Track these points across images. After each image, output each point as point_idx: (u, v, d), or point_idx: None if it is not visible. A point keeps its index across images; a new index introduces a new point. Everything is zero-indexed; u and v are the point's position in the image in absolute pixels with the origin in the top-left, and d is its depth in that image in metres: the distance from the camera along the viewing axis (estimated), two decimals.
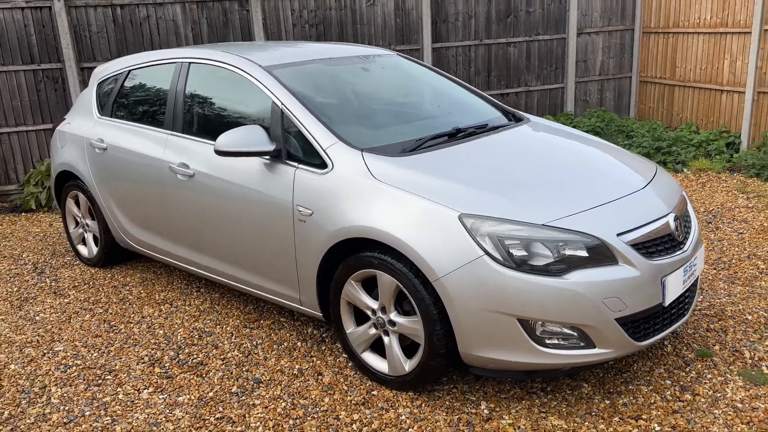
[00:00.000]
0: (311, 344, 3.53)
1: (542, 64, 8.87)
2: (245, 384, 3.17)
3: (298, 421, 2.85)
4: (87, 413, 3.00)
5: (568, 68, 8.95)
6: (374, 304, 3.01)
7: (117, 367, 3.39)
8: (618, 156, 3.47)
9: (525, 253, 2.60)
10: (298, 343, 3.55)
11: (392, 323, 2.96)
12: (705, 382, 2.97)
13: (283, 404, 2.98)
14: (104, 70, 4.80)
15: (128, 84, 4.46)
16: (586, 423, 2.73)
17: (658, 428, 2.67)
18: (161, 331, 3.77)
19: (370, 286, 3.06)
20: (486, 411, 2.84)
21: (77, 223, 5.00)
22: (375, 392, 3.03)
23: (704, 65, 7.99)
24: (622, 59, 9.23)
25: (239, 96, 3.70)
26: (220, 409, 2.97)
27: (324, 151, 3.15)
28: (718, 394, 2.88)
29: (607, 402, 2.87)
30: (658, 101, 8.84)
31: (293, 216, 3.20)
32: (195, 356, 3.46)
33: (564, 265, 2.59)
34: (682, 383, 2.98)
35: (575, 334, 2.63)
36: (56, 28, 6.97)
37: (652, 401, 2.85)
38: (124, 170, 4.23)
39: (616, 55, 9.19)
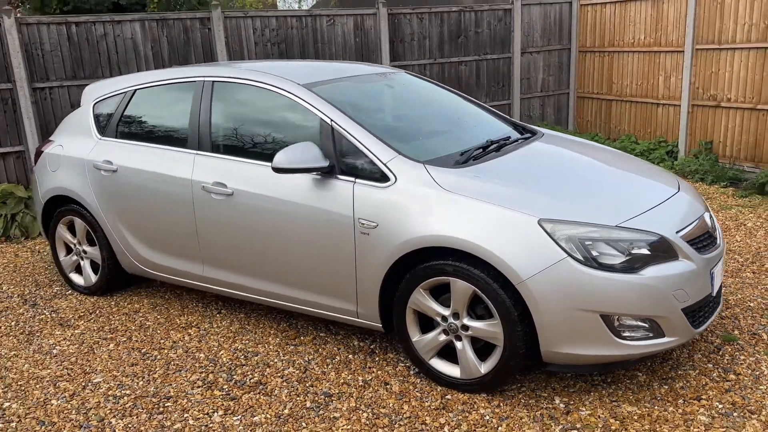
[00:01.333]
0: (363, 356, 3.57)
1: (491, 81, 9.31)
2: (316, 399, 3.17)
3: (386, 429, 2.90)
4: None
5: (514, 85, 9.45)
6: (444, 311, 3.12)
7: (172, 394, 3.28)
8: (640, 163, 3.80)
9: (602, 253, 2.81)
10: (350, 356, 3.58)
11: (465, 328, 3.08)
12: (741, 363, 3.31)
13: (365, 415, 3.01)
14: (99, 90, 4.62)
15: (135, 104, 4.32)
16: (656, 407, 2.97)
17: (720, 406, 2.95)
18: (201, 355, 3.68)
19: (436, 294, 3.17)
20: (562, 405, 3.02)
21: (68, 251, 4.74)
22: (449, 396, 3.13)
23: (640, 81, 8.70)
24: (560, 76, 9.85)
25: (277, 114, 3.72)
26: (303, 424, 2.97)
27: (385, 165, 3.24)
28: (757, 372, 3.21)
29: (666, 387, 3.13)
30: (595, 115, 9.50)
31: (354, 229, 3.26)
32: (250, 376, 3.41)
33: (639, 262, 2.82)
34: (721, 365, 3.29)
35: (647, 325, 2.86)
36: (6, 46, 6.58)
37: (704, 383, 3.14)
38: (139, 192, 4.09)
39: (555, 72, 9.80)
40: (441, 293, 3.15)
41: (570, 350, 2.86)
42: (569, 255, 2.80)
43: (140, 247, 4.23)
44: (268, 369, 3.48)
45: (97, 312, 4.36)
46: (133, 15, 7.21)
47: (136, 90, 4.36)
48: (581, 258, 2.80)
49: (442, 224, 3.00)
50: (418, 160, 3.25)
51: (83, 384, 3.42)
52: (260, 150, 3.69)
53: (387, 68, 4.53)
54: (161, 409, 3.15)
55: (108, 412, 3.15)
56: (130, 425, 3.03)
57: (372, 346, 3.68)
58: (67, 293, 4.74)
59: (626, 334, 2.85)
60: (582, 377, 3.24)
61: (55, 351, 3.83)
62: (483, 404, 3.05)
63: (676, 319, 2.88)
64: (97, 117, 4.51)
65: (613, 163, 3.72)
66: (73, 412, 3.17)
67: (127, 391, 3.33)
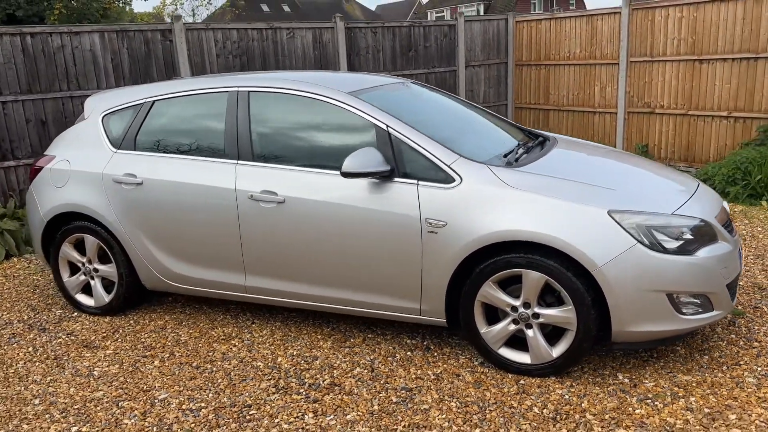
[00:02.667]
0: (421, 353, 3.71)
1: None
2: (399, 394, 3.28)
3: (479, 415, 3.06)
4: None
5: (460, 97, 9.89)
6: (514, 301, 3.34)
7: (250, 402, 3.26)
8: (653, 162, 4.21)
9: (664, 238, 3.15)
10: (409, 353, 3.70)
11: (536, 316, 3.31)
12: (757, 332, 3.77)
13: (453, 404, 3.16)
14: (106, 101, 4.45)
15: (156, 115, 4.22)
16: (707, 374, 3.33)
17: (759, 369, 3.36)
18: (259, 363, 3.66)
19: (502, 286, 3.38)
20: (626, 380, 3.32)
21: (73, 271, 4.52)
22: (523, 381, 3.35)
23: (576, 91, 9.41)
24: (499, 89, 10.43)
25: (326, 121, 3.79)
26: (399, 418, 3.07)
27: (448, 167, 3.42)
28: None
29: (707, 357, 3.51)
30: (533, 124, 10.13)
31: (422, 229, 3.41)
32: (321, 378, 3.45)
33: (693, 245, 3.18)
34: (743, 336, 3.73)
35: (699, 301, 3.22)
36: None
37: (736, 351, 3.56)
38: (170, 204, 4.00)
39: (495, 85, 10.37)
40: (506, 285, 3.37)
41: (639, 328, 3.16)
42: (638, 241, 3.10)
43: (168, 261, 4.12)
44: (335, 371, 3.54)
45: (120, 331, 4.19)
46: (92, 26, 6.92)
47: (154, 101, 4.26)
48: (648, 243, 3.11)
49: (516, 220, 3.22)
50: (481, 161, 3.46)
51: (149, 401, 3.32)
52: (311, 157, 3.75)
53: (401, 78, 4.71)
54: (248, 417, 3.13)
55: (192, 425, 3.09)
56: None
57: (425, 343, 3.83)
58: (73, 315, 4.50)
59: (685, 310, 3.20)
60: (631, 355, 3.56)
61: (95, 372, 3.66)
62: (557, 386, 3.29)
63: (722, 294, 3.26)
64: (108, 129, 4.35)
65: (634, 161, 4.10)
66: (154, 429, 3.07)
67: (202, 404, 3.27)
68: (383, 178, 3.52)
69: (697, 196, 3.56)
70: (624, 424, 2.93)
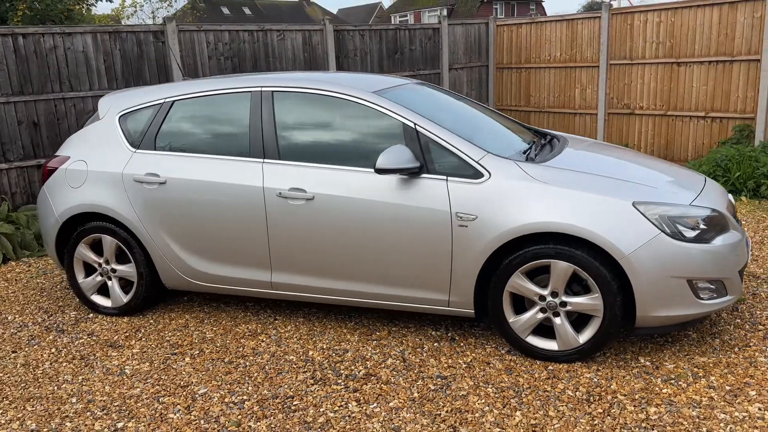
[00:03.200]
0: (448, 343, 3.84)
1: None
2: (435, 382, 3.39)
3: (516, 399, 3.20)
4: None
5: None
6: (543, 291, 3.49)
7: (291, 393, 3.34)
8: (658, 160, 4.43)
9: (684, 227, 3.35)
10: (436, 344, 3.83)
11: (563, 304, 3.47)
12: (761, 315, 4.01)
13: (490, 390, 3.29)
14: (122, 102, 4.45)
15: (176, 115, 4.25)
16: (721, 355, 3.55)
17: (767, 349, 3.59)
18: (292, 357, 3.73)
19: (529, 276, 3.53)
20: (648, 363, 3.51)
21: (88, 272, 4.50)
22: (551, 367, 3.50)
23: (557, 94, 9.69)
24: (481, 91, 10.66)
25: (352, 120, 3.89)
26: (440, 404, 3.18)
27: (477, 162, 3.57)
28: None
29: (717, 340, 3.73)
30: None
31: (452, 223, 3.54)
32: (357, 369, 3.55)
33: (709, 233, 3.39)
34: (748, 320, 3.97)
35: (714, 286, 3.43)
36: None
37: (743, 334, 3.79)
38: (195, 203, 4.04)
39: (477, 87, 10.60)
40: (533, 276, 3.53)
41: (662, 313, 3.35)
42: (661, 231, 3.30)
43: (191, 259, 4.16)
44: (368, 362, 3.63)
45: (142, 331, 4.20)
46: (84, 27, 6.86)
47: (174, 101, 4.29)
48: (670, 233, 3.31)
49: (547, 212, 3.38)
50: (508, 157, 3.61)
51: (189, 396, 3.36)
52: (339, 155, 3.84)
53: (412, 79, 4.83)
54: (292, 407, 3.21)
55: (239, 417, 3.14)
56: (272, 425, 3.06)
57: (449, 334, 3.95)
58: (89, 316, 4.48)
59: (702, 295, 3.40)
60: (648, 340, 3.76)
61: (127, 371, 3.67)
62: (584, 370, 3.45)
63: (734, 280, 3.48)
64: (126, 129, 4.36)
65: (641, 157, 4.31)
66: (202, 422, 3.12)
67: (244, 397, 3.33)
68: (412, 174, 3.64)
69: (707, 189, 3.78)
70: (654, 403, 3.11)
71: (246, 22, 6.53)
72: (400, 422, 3.05)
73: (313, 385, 3.42)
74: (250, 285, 4.10)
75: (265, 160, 3.96)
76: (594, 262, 3.34)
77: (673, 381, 3.31)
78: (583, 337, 3.48)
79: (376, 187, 3.69)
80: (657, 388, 3.24)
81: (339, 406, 3.20)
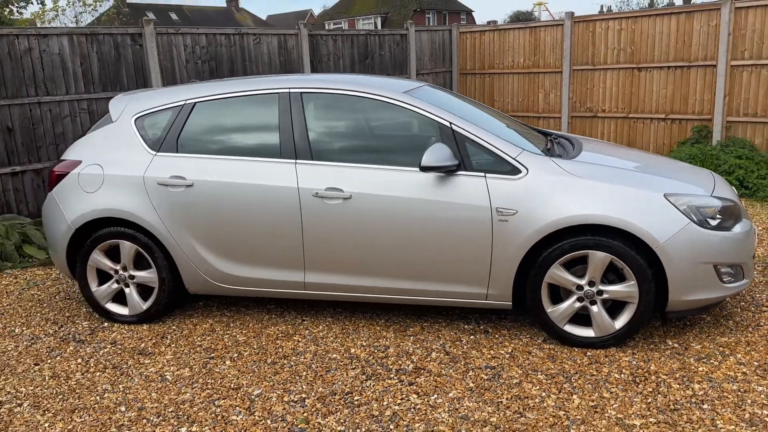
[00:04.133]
0: (483, 335, 3.95)
1: None
2: (485, 372, 3.50)
3: (568, 384, 3.35)
4: (392, 428, 3.02)
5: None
6: (580, 281, 3.67)
7: (348, 389, 3.36)
8: (666, 157, 4.71)
9: (708, 216, 3.60)
10: (472, 337, 3.94)
11: (600, 293, 3.66)
12: (761, 298, 4.34)
13: (541, 377, 3.43)
14: (138, 103, 4.34)
15: (199, 117, 4.19)
16: (739, 335, 3.83)
17: None
18: (335, 356, 3.75)
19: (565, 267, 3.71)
20: (676, 345, 3.74)
21: (102, 280, 4.36)
22: (590, 353, 3.68)
23: (521, 98, 10.05)
24: None
25: (385, 120, 3.96)
26: (498, 392, 3.29)
27: (514, 159, 3.71)
28: None
29: (731, 321, 4.02)
30: None
31: (492, 218, 3.67)
32: (405, 364, 3.61)
33: (729, 222, 3.66)
34: (751, 302, 4.29)
35: (733, 270, 3.71)
36: None
37: (752, 315, 4.09)
38: (225, 205, 4.00)
39: None
40: (569, 267, 3.70)
41: (691, 297, 3.59)
42: (691, 220, 3.54)
43: (219, 262, 4.10)
44: (412, 357, 3.70)
45: (169, 337, 4.10)
46: (61, 29, 6.60)
47: (195, 103, 4.23)
48: (697, 221, 3.56)
49: (586, 205, 3.56)
50: (543, 154, 3.78)
51: (245, 398, 3.32)
52: (375, 154, 3.90)
53: (424, 81, 4.95)
54: (355, 402, 3.23)
55: (305, 414, 3.15)
56: (341, 420, 3.09)
57: (481, 327, 4.08)
58: (104, 325, 4.34)
59: (725, 279, 3.67)
60: (670, 323, 4.00)
61: (168, 377, 3.59)
62: (621, 354, 3.65)
63: (749, 264, 3.77)
64: (144, 132, 4.26)
65: (651, 155, 4.58)
66: (268, 421, 3.10)
67: (302, 395, 3.33)
68: (450, 172, 3.74)
69: (718, 182, 4.07)
70: (695, 380, 3.34)
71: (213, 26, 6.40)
72: (466, 411, 3.14)
73: (366, 380, 3.46)
74: (281, 286, 4.09)
75: (298, 161, 3.97)
76: (630, 251, 3.54)
77: (704, 360, 3.55)
78: (619, 323, 3.68)
79: (414, 185, 3.77)
80: (693, 367, 3.47)
81: (401, 399, 3.26)
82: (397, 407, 3.19)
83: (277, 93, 4.11)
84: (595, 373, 3.46)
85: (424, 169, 3.64)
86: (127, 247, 4.22)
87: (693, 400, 3.16)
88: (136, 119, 4.30)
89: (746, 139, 7.69)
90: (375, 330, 4.09)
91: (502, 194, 3.67)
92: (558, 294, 3.78)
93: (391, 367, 3.60)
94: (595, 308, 3.69)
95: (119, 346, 4.01)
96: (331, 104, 4.06)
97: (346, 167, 3.89)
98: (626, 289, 3.62)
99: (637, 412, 3.06)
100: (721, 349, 3.67)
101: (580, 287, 3.68)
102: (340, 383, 3.44)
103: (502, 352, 3.74)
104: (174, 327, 4.27)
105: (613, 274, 3.67)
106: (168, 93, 4.35)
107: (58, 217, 4.31)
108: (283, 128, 4.03)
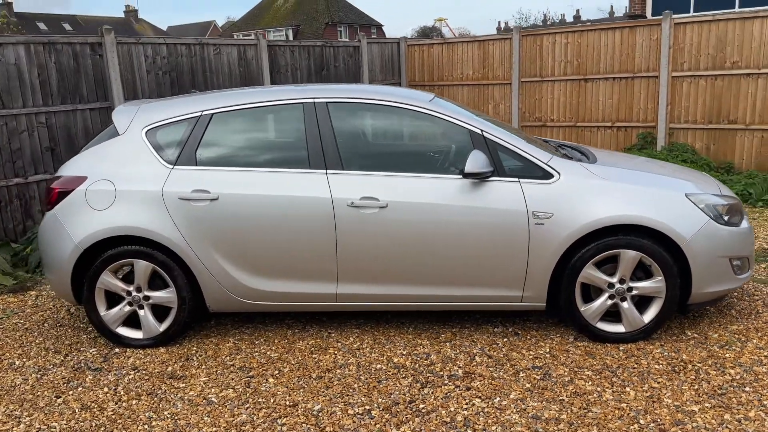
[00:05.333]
0: (516, 338, 4.05)
1: None
2: (535, 372, 3.59)
3: (616, 378, 3.50)
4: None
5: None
6: (612, 279, 3.85)
7: (409, 398, 3.35)
8: (665, 162, 5.02)
9: (720, 214, 3.89)
10: (506, 340, 4.03)
11: (630, 290, 3.85)
12: (748, 289, 4.71)
13: (587, 372, 3.56)
14: (147, 115, 4.13)
15: (217, 128, 4.04)
16: (746, 323, 4.13)
17: None
18: (380, 366, 3.72)
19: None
20: (696, 335, 4.00)
21: (111, 304, 4.10)
22: (622, 348, 3.86)
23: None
24: None
25: (414, 128, 4.01)
26: (556, 390, 3.39)
27: (546, 164, 3.85)
28: None
29: (733, 311, 4.33)
30: None
31: (529, 222, 3.78)
32: (453, 370, 3.64)
33: (736, 218, 3.97)
34: (743, 293, 4.65)
35: (741, 263, 4.02)
36: None
37: (747, 304, 4.43)
38: (256, 218, 3.88)
39: None
40: (599, 266, 3.88)
41: (710, 289, 3.86)
42: (709, 217, 3.81)
43: (246, 278, 3.97)
44: (458, 362, 3.74)
45: (194, 359, 3.92)
46: (17, 37, 6.16)
47: (213, 114, 4.08)
48: (714, 218, 3.83)
49: (619, 207, 3.74)
50: (572, 159, 3.94)
51: (308, 414, 3.23)
52: (408, 162, 3.93)
53: (431, 93, 5.02)
54: (422, 410, 3.22)
55: (378, 425, 3.10)
56: (415, 429, 3.07)
57: (510, 329, 4.18)
58: (114, 351, 4.07)
59: (737, 271, 3.97)
60: (682, 316, 4.27)
61: (213, 399, 3.43)
62: (650, 347, 3.85)
63: (752, 256, 4.10)
64: (157, 145, 4.05)
65: (653, 161, 4.85)
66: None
67: (365, 407, 3.28)
68: (484, 178, 3.83)
69: (718, 183, 4.40)
70: (727, 366, 3.58)
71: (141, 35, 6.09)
72: (534, 410, 3.21)
73: (423, 388, 3.46)
74: (312, 299, 4.01)
75: (329, 171, 3.92)
76: (659, 249, 3.76)
77: (727, 347, 3.82)
78: (647, 317, 3.89)
79: (450, 192, 3.83)
80: (719, 354, 3.73)
81: (466, 405, 3.28)
82: (465, 412, 3.21)
83: (301, 103, 4.05)
84: (636, 365, 3.64)
85: (467, 175, 3.71)
86: (142, 267, 3.99)
87: (734, 384, 3.39)
88: (147, 132, 4.09)
89: (688, 144, 8.31)
90: (407, 338, 4.09)
91: (538, 198, 3.80)
92: (588, 293, 3.95)
93: (441, 373, 3.62)
94: (625, 304, 3.88)
95: (143, 372, 3.78)
96: (359, 113, 4.05)
97: (379, 176, 3.89)
98: (654, 284, 3.83)
99: (690, 399, 3.26)
100: (736, 336, 3.96)
101: (611, 285, 3.86)
102: (397, 393, 3.42)
103: (541, 352, 3.85)
104: (195, 348, 4.08)
105: (640, 271, 3.88)
106: (179, 104, 4.17)
107: (60, 237, 4.01)
108: (311, 138, 3.97)
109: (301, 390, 3.49)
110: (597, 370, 3.60)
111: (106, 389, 3.60)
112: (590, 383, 3.45)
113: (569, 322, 4.01)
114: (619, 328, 3.92)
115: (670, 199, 3.82)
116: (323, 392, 3.45)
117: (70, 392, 3.58)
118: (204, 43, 7.80)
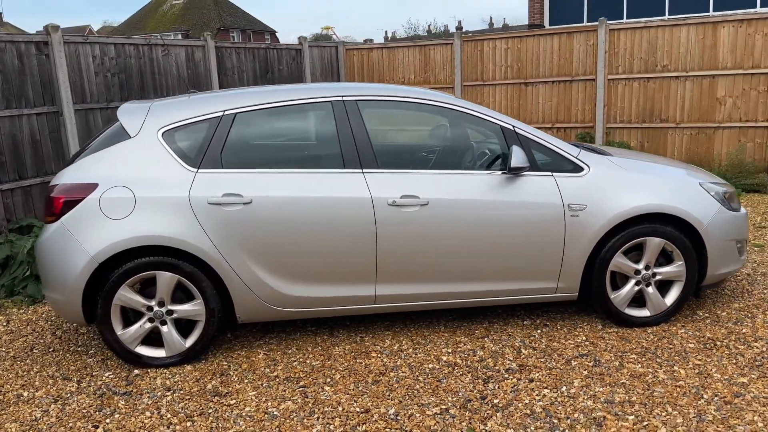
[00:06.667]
0: (547, 329, 4.15)
1: None
2: (585, 360, 3.69)
3: (659, 359, 3.68)
4: (556, 422, 3.08)
5: None
6: (638, 266, 4.05)
7: (480, 395, 3.33)
8: (660, 156, 5.32)
9: (725, 200, 4.21)
10: (539, 332, 4.11)
11: (653, 275, 4.07)
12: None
13: (632, 356, 3.71)
14: (162, 116, 3.84)
15: (242, 128, 3.83)
16: (743, 301, 4.48)
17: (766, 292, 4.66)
18: (432, 365, 3.68)
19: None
20: (706, 315, 4.28)
21: (127, 322, 3.76)
22: (649, 330, 4.06)
23: None
24: None
25: (447, 125, 3.99)
26: (613, 375, 3.50)
27: (576, 158, 3.99)
28: None
29: (726, 291, 4.69)
30: None
31: (565, 214, 3.90)
32: (507, 364, 3.66)
33: (736, 204, 4.31)
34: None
35: (741, 246, 4.37)
36: None
37: (735, 285, 4.81)
38: (292, 221, 3.71)
39: None
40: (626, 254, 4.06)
41: (721, 270, 4.16)
42: (720, 204, 4.11)
43: (281, 284, 3.78)
44: (507, 356, 3.77)
45: (232, 374, 3.68)
46: None
47: (236, 114, 3.86)
48: (722, 204, 4.14)
49: (644, 197, 3.94)
50: (598, 152, 4.10)
51: (389, 418, 3.13)
52: (444, 159, 3.92)
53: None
54: (497, 405, 3.22)
55: (465, 423, 3.06)
56: (502, 423, 3.06)
57: (538, 321, 4.27)
58: (135, 373, 3.74)
59: (740, 253, 4.31)
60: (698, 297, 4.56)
61: (275, 413, 3.24)
62: (674, 328, 4.09)
63: (747, 240, 4.47)
64: (176, 147, 3.77)
65: (653, 155, 5.13)
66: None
67: (441, 407, 3.22)
68: (519, 173, 3.91)
69: (708, 173, 4.75)
70: (749, 340, 3.87)
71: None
72: (603, 395, 3.30)
73: (487, 383, 3.46)
74: (349, 303, 3.89)
75: (365, 170, 3.83)
76: (681, 235, 4.00)
77: (740, 323, 4.12)
78: (669, 300, 4.12)
79: (488, 188, 3.87)
80: (736, 330, 4.02)
81: (537, 396, 3.32)
82: (541, 403, 3.25)
83: (330, 101, 3.93)
84: (671, 346, 3.84)
85: (513, 170, 3.76)
86: (166, 279, 3.69)
87: (764, 355, 3.67)
88: (163, 133, 3.80)
89: (624, 142, 8.90)
90: (444, 336, 4.07)
91: (572, 191, 3.92)
92: (614, 281, 4.12)
93: (496, 368, 3.63)
94: (650, 289, 4.09)
95: (181, 392, 3.50)
96: (389, 111, 3.99)
97: (416, 174, 3.85)
98: (676, 269, 4.07)
99: (735, 372, 3.49)
100: (742, 312, 4.29)
101: (637, 272, 4.06)
102: (464, 390, 3.40)
103: (579, 340, 3.97)
104: (225, 362, 3.83)
105: (660, 257, 4.10)
106: (197, 103, 3.91)
107: (70, 250, 3.62)
108: (344, 137, 3.86)
109: (365, 395, 3.37)
110: (639, 353, 3.77)
111: (148, 413, 3.29)
112: (639, 365, 3.61)
113: (598, 309, 4.16)
114: (644, 312, 4.12)
115: (688, 188, 4.08)
116: (389, 396, 3.36)
117: (107, 420, 3.24)
118: (153, 44, 7.36)
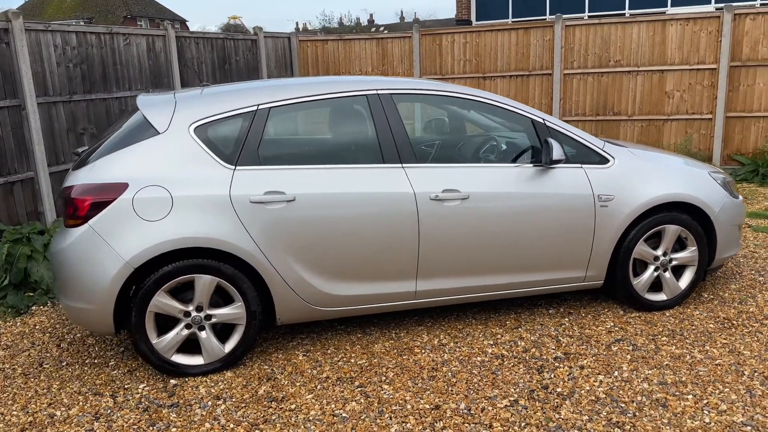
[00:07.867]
0: (574, 317, 4.27)
1: None
2: (623, 345, 3.84)
3: (688, 339, 3.88)
4: (623, 406, 3.18)
5: None
6: (657, 252, 4.24)
7: (538, 384, 3.39)
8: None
9: (727, 187, 4.48)
10: (567, 320, 4.23)
11: (671, 261, 4.28)
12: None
13: (663, 338, 3.90)
14: (192, 109, 3.62)
15: (278, 123, 3.71)
16: (739, 282, 4.80)
17: (763, 274, 5.01)
18: (480, 358, 3.70)
19: None
20: (712, 296, 4.55)
21: (162, 329, 3.55)
22: (667, 313, 4.27)
23: None
24: None
25: (482, 119, 4.02)
26: (654, 358, 3.66)
27: (602, 150, 4.13)
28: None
29: (720, 273, 5.00)
30: None
31: (595, 204, 4.03)
32: (554, 354, 3.75)
33: (735, 192, 4.61)
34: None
35: (739, 231, 4.68)
36: None
37: (726, 269, 5.15)
38: (336, 218, 3.62)
39: None
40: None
41: (725, 254, 4.44)
42: (726, 191, 4.38)
43: (323, 283, 3.68)
44: (549, 346, 3.85)
45: (279, 378, 3.55)
46: None
47: (270, 108, 3.70)
48: (727, 192, 4.41)
49: (665, 186, 4.13)
50: (618, 145, 4.26)
51: (463, 413, 3.12)
52: (481, 153, 3.93)
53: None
54: (561, 393, 3.29)
55: (537, 413, 3.11)
56: (572, 410, 3.13)
57: (562, 310, 4.39)
58: (173, 383, 3.54)
59: (739, 238, 4.61)
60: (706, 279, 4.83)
61: (343, 414, 3.16)
62: (689, 311, 4.32)
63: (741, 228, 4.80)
64: (211, 144, 3.58)
65: (651, 147, 5.36)
66: (515, 427, 2.99)
67: (509, 398, 3.25)
68: (550, 165, 3.99)
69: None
70: (760, 318, 4.16)
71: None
72: (655, 378, 3.45)
73: (541, 372, 3.52)
74: (389, 299, 3.85)
75: (405, 165, 3.79)
76: (694, 222, 4.24)
77: (744, 303, 4.42)
78: (683, 284, 4.35)
79: (524, 180, 3.93)
80: (745, 309, 4.31)
81: (594, 381, 3.42)
82: (601, 389, 3.35)
83: (365, 95, 3.85)
84: (692, 327, 4.06)
85: (554, 162, 3.83)
86: (206, 282, 3.50)
87: None
88: (196, 129, 3.59)
89: None
90: (479, 329, 4.11)
91: (600, 182, 4.05)
92: (633, 267, 4.30)
93: (545, 357, 3.71)
94: (667, 274, 4.30)
95: (233, 401, 3.34)
96: (425, 105, 3.96)
97: (455, 167, 3.85)
98: (690, 254, 4.30)
99: (762, 349, 3.74)
100: (744, 293, 4.60)
101: (656, 258, 4.26)
102: (522, 381, 3.45)
103: (608, 326, 4.12)
104: (266, 367, 3.69)
105: (677, 244, 4.33)
106: (228, 96, 3.72)
107: (102, 256, 3.36)
108: (381, 131, 3.80)
109: (428, 392, 3.35)
110: (666, 335, 3.96)
111: (207, 424, 3.12)
112: (674, 347, 3.79)
113: (621, 295, 4.32)
114: (661, 297, 4.33)
115: (699, 178, 4.31)
116: (451, 391, 3.36)
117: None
118: (114, 33, 6.90)
